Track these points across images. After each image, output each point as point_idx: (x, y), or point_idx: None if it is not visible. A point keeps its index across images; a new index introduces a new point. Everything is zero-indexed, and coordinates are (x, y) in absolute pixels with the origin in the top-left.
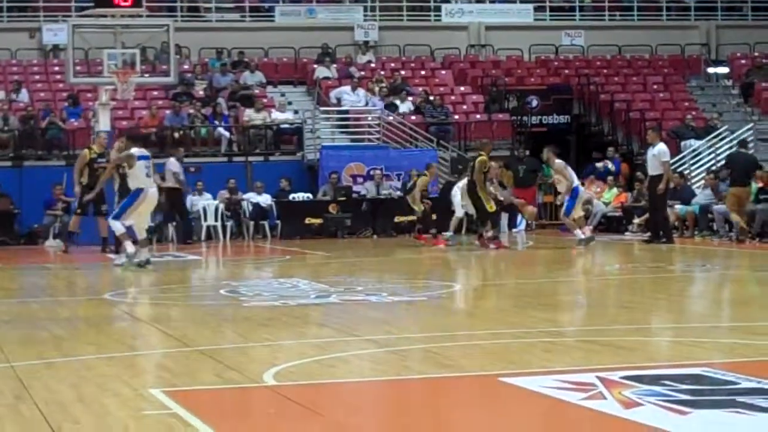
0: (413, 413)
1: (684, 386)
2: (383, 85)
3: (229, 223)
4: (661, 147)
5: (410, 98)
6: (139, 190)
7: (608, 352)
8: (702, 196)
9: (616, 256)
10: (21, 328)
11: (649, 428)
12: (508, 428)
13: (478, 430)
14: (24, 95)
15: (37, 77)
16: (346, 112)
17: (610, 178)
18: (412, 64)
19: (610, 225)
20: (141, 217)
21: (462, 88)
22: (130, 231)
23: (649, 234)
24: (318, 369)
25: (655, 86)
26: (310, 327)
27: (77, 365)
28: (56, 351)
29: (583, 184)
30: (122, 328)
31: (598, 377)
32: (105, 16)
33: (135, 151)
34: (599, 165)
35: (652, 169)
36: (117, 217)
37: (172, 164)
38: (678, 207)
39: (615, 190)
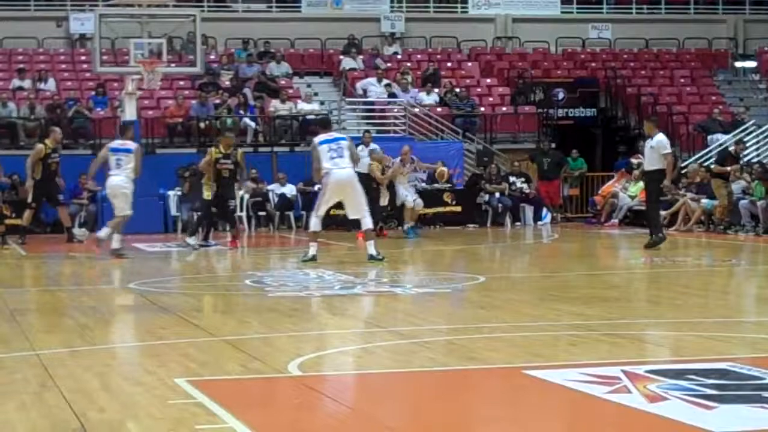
0: (437, 405)
1: (709, 381)
2: (409, 76)
3: (254, 214)
4: (660, 138)
5: (436, 90)
6: (325, 176)
7: (633, 346)
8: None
9: (641, 249)
10: (46, 316)
11: None
12: (532, 421)
13: (503, 423)
14: (51, 84)
15: (63, 66)
16: (372, 103)
17: (635, 171)
18: (439, 56)
19: (636, 218)
20: (330, 203)
21: (488, 81)
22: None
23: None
24: (343, 360)
25: (682, 80)
26: (335, 318)
27: (102, 354)
28: (81, 339)
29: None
30: (147, 317)
31: (623, 371)
32: (132, 5)
33: (317, 138)
34: (634, 161)
35: (650, 163)
36: (314, 210)
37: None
38: (704, 201)
39: (641, 184)
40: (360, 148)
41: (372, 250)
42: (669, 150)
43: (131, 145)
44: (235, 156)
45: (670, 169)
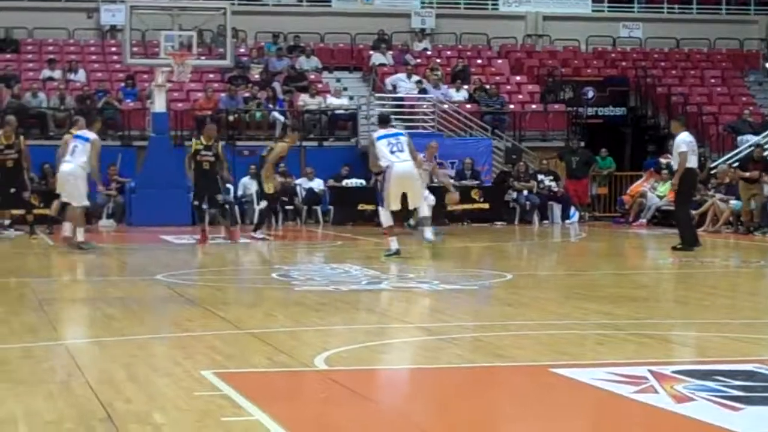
0: (463, 401)
1: (736, 382)
2: (439, 73)
3: (281, 208)
4: (681, 137)
5: (465, 87)
6: (387, 169)
7: (661, 346)
8: None
9: (669, 250)
10: (74, 306)
11: None
12: (559, 420)
13: (530, 421)
14: (81, 75)
15: (94, 57)
16: (401, 99)
17: (664, 171)
18: (469, 53)
19: (664, 218)
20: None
21: (518, 78)
22: None
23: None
24: (369, 355)
25: (712, 80)
26: (361, 313)
27: (129, 345)
28: (108, 330)
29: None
30: (174, 309)
31: (650, 371)
32: None
33: (375, 133)
34: (663, 161)
35: (677, 162)
36: (382, 205)
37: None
38: (733, 202)
39: (669, 184)
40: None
41: (429, 235)
42: (684, 149)
43: (90, 134)
44: (216, 148)
45: (680, 169)
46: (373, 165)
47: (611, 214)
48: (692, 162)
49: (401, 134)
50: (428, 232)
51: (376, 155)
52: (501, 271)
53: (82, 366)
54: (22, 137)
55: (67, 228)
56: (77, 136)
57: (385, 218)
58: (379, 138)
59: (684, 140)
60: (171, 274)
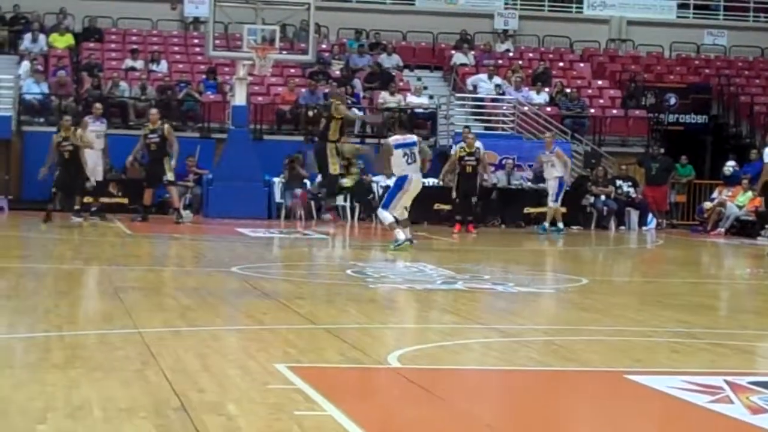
0: (536, 404)
1: None
2: (520, 74)
3: (357, 204)
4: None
5: (546, 89)
6: (403, 178)
7: (737, 357)
8: None
9: (747, 260)
10: (150, 295)
11: None
12: (633, 427)
13: (603, 427)
14: (163, 66)
15: (176, 49)
16: (482, 99)
17: (744, 181)
18: (551, 55)
19: (744, 229)
20: (406, 202)
21: (600, 82)
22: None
23: None
24: (442, 354)
25: None
26: (435, 312)
27: (204, 335)
28: (183, 320)
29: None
30: (249, 301)
31: (725, 381)
32: None
33: (392, 139)
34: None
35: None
36: (386, 207)
37: None
38: None
39: (749, 194)
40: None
41: (402, 236)
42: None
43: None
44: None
45: (762, 178)
46: (385, 168)
47: (689, 222)
48: None
49: (415, 143)
50: (402, 233)
51: (391, 162)
52: (576, 275)
53: (156, 354)
54: (166, 125)
55: None
56: (399, 145)
57: (387, 216)
58: (397, 146)
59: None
60: (246, 267)
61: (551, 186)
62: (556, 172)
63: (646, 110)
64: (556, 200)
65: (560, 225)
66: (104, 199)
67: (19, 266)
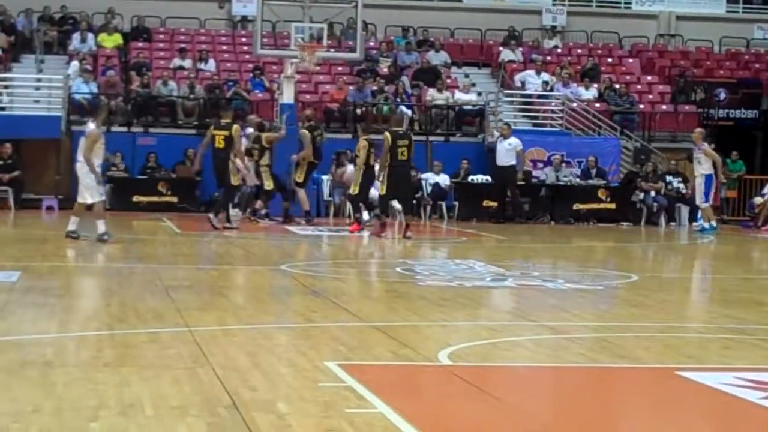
0: (588, 401)
1: None
2: (568, 70)
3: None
4: None
5: (595, 85)
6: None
7: None
8: None
9: None
10: (200, 294)
11: None
12: (685, 423)
13: (655, 423)
14: (211, 65)
15: (224, 47)
16: (530, 96)
17: None
18: (599, 51)
19: None
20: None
21: (649, 78)
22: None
23: None
24: (492, 351)
25: None
26: (485, 309)
27: (254, 333)
28: (234, 318)
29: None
30: (298, 299)
31: None
32: None
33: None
34: None
35: None
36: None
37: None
38: None
39: None
40: (499, 140)
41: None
42: None
43: (88, 127)
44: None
45: None
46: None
47: (740, 217)
48: None
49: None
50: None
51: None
52: (626, 272)
53: (207, 353)
54: (235, 126)
55: (72, 222)
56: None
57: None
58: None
59: None
60: (295, 265)
61: (698, 184)
62: (703, 169)
63: (695, 105)
64: (706, 200)
65: (713, 223)
66: (153, 198)
67: (70, 265)
